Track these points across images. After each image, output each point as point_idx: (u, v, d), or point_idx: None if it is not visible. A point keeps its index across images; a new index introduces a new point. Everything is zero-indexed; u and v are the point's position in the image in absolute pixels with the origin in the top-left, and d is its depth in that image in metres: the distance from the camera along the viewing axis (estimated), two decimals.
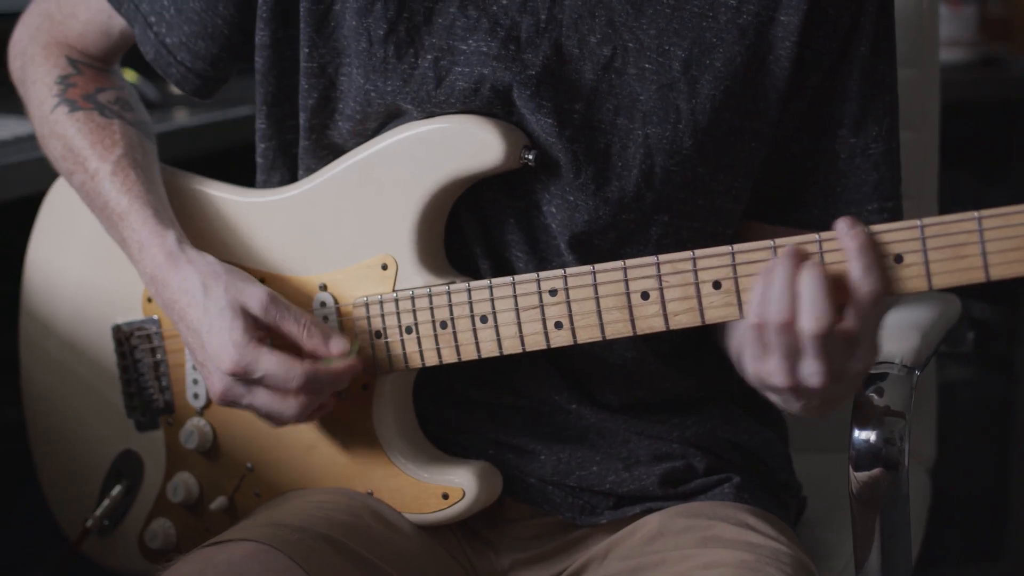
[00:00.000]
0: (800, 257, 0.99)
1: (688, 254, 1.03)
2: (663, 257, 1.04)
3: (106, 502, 1.29)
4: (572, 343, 1.08)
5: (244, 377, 1.09)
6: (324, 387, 1.10)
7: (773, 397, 1.05)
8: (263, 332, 1.11)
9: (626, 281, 1.05)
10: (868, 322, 0.98)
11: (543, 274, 1.08)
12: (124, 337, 1.28)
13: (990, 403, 2.13)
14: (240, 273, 1.13)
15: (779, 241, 1.01)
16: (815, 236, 1.00)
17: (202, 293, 1.12)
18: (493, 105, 1.12)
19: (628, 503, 1.19)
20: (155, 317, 1.26)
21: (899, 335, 1.13)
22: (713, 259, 1.03)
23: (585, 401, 1.18)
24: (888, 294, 0.99)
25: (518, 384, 1.18)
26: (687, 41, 1.11)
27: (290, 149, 1.24)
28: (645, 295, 1.05)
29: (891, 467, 1.09)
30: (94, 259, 1.30)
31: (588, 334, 1.07)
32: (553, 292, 1.08)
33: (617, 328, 1.06)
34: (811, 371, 0.99)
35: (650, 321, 1.05)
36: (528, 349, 1.10)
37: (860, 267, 0.98)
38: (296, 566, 1.04)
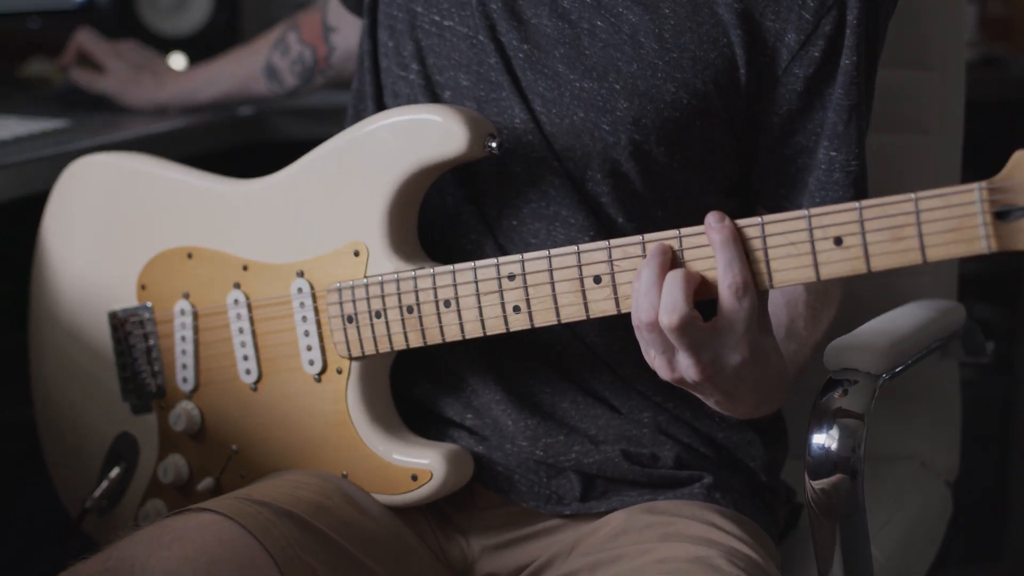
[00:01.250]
0: (666, 255, 1.02)
1: (637, 238, 1.05)
2: (614, 241, 1.06)
3: (105, 483, 1.34)
4: (530, 327, 1.11)
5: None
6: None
7: (692, 392, 1.08)
8: None
9: (579, 266, 1.07)
10: (734, 315, 1.00)
11: (502, 259, 1.11)
12: (119, 323, 1.32)
13: (990, 403, 2.09)
14: None
15: (647, 238, 1.04)
16: (676, 232, 1.03)
17: None
18: (478, 29, 1.18)
19: (595, 496, 1.21)
20: (148, 304, 1.31)
21: (864, 341, 1.13)
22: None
23: (559, 380, 1.21)
24: (760, 288, 1.01)
25: (493, 365, 1.21)
26: (641, 8, 1.14)
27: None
28: (597, 279, 1.06)
29: (848, 475, 1.08)
30: (95, 247, 1.36)
31: (544, 318, 1.09)
32: (511, 277, 1.10)
33: (571, 312, 1.08)
34: (685, 364, 1.02)
35: (602, 305, 1.07)
36: (488, 333, 1.13)
37: (723, 261, 1.00)
38: (250, 537, 1.07)
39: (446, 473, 1.18)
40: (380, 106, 1.28)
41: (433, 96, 1.23)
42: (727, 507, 1.19)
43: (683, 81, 1.14)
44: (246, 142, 1.70)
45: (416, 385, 1.24)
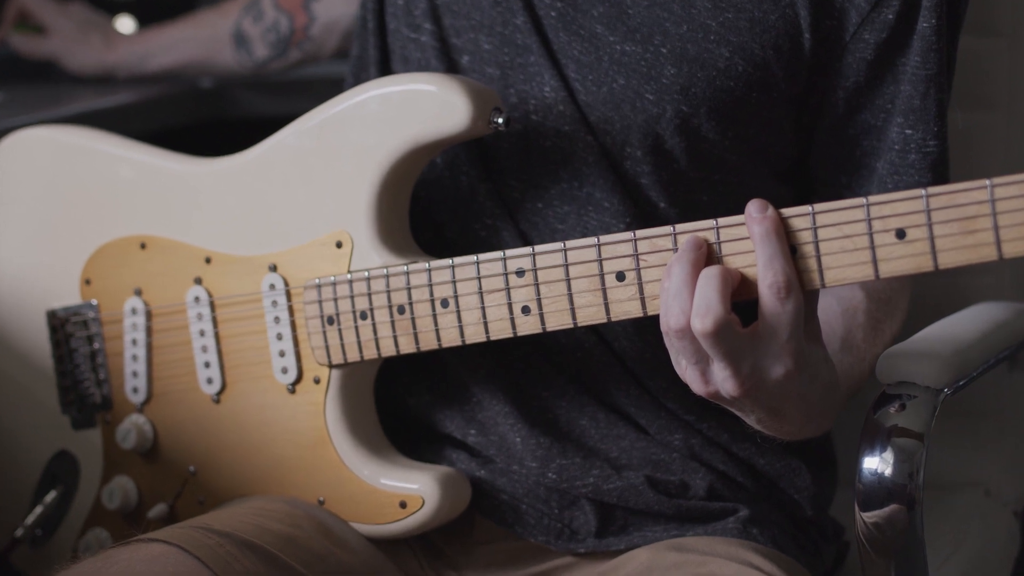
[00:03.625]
0: (701, 250, 1.01)
1: (667, 229, 1.04)
2: (640, 232, 1.05)
3: (39, 509, 1.33)
4: (541, 330, 1.10)
5: None
6: None
7: (730, 409, 1.07)
8: None
9: (600, 261, 1.06)
10: (777, 319, 1.00)
11: (509, 252, 1.11)
12: (59, 324, 1.31)
13: None
14: None
15: (679, 228, 1.03)
16: (712, 222, 1.02)
17: None
18: None
19: (614, 531, 1.20)
20: (93, 302, 1.30)
21: (923, 349, 1.12)
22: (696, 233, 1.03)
23: (578, 393, 1.20)
24: (809, 288, 1.00)
25: (502, 371, 1.21)
26: None
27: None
28: (621, 276, 1.06)
29: (905, 505, 1.07)
30: (31, 236, 1.34)
31: (557, 320, 1.09)
32: (520, 272, 1.10)
33: (589, 313, 1.08)
34: (722, 376, 1.01)
35: (625, 306, 1.06)
36: (492, 337, 1.12)
37: (763, 257, 1.00)
38: (207, 571, 1.07)
39: (440, 500, 1.17)
40: (386, 73, 1.27)
41: (449, 61, 1.22)
42: (765, 544, 1.18)
43: (739, 45, 1.13)
44: (206, 119, 1.70)
45: (411, 395, 1.24)
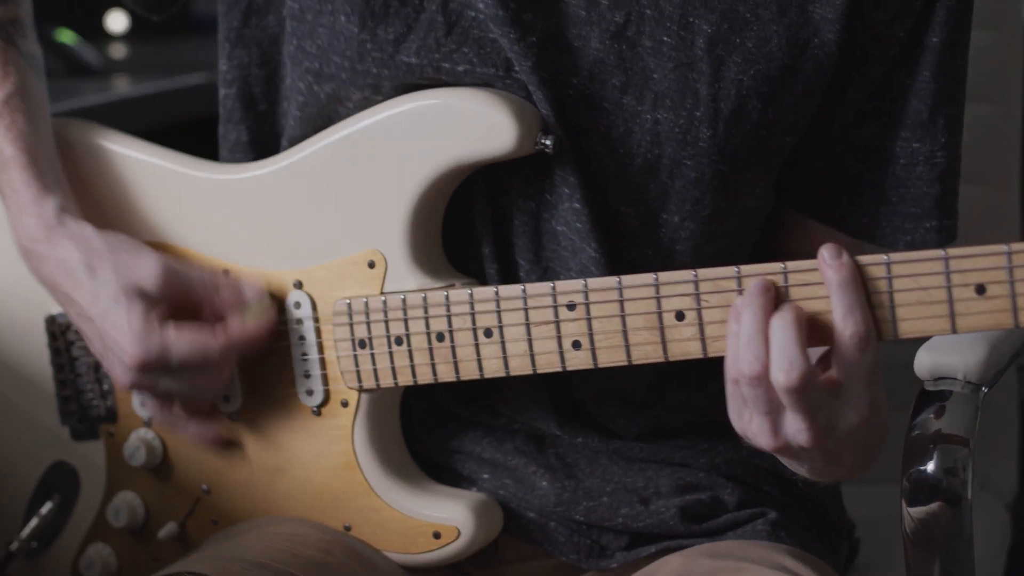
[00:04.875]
0: (770, 294, 1.01)
1: (732, 270, 1.04)
2: (702, 272, 1.05)
3: (34, 521, 1.31)
4: (592, 366, 1.10)
5: (157, 367, 1.14)
6: (248, 348, 1.16)
7: (783, 460, 1.08)
8: (165, 307, 1.15)
9: (658, 299, 1.06)
10: (855, 369, 1.00)
11: (560, 284, 1.10)
12: (60, 330, 1.29)
13: None
14: (126, 244, 1.17)
15: (744, 270, 1.03)
16: (780, 266, 1.02)
17: (88, 276, 1.16)
18: (498, 66, 1.14)
19: (644, 542, 1.21)
20: None
21: (963, 347, 1.14)
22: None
23: (590, 430, 1.21)
24: (882, 339, 1.00)
25: (506, 408, 1.21)
26: (716, 14, 1.12)
27: (255, 104, 1.26)
28: (680, 315, 1.06)
29: (951, 502, 1.09)
30: None
31: (611, 357, 1.09)
32: (571, 306, 1.09)
33: (646, 352, 1.08)
34: (795, 428, 1.01)
35: (685, 346, 1.06)
36: (539, 371, 1.12)
37: (843, 306, 0.99)
38: None
39: (475, 529, 1.18)
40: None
41: None
42: (794, 546, 1.20)
43: (771, 96, 1.12)
44: (200, 115, 1.65)
45: (418, 442, 1.23)
